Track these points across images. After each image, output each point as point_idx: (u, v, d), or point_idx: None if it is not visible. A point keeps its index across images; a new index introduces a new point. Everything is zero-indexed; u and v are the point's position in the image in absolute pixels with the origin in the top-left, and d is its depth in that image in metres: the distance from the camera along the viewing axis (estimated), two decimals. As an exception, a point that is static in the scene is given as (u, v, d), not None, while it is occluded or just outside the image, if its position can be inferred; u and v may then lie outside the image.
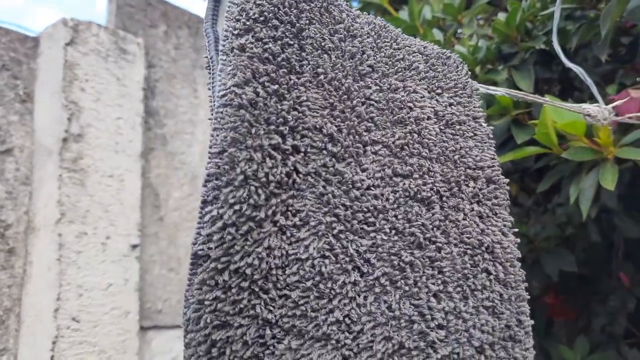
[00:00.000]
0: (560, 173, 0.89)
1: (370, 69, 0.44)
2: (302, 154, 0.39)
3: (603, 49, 0.86)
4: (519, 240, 0.44)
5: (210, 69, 0.45)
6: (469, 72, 0.52)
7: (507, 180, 0.46)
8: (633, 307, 1.15)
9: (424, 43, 0.52)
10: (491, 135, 0.48)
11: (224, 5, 0.47)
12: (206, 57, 0.46)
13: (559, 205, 1.23)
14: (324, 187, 0.39)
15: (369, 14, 0.50)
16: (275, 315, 0.36)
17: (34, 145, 1.12)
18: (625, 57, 1.06)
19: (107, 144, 1.14)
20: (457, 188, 0.43)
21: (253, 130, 0.37)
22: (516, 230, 0.44)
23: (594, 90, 0.76)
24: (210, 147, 0.37)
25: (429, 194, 0.41)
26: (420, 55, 0.48)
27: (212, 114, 0.45)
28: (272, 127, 0.38)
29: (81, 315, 1.03)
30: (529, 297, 0.43)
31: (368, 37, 0.46)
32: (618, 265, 1.22)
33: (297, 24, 0.42)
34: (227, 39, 0.39)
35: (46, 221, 1.06)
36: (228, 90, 0.38)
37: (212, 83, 0.45)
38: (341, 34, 0.44)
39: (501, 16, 1.00)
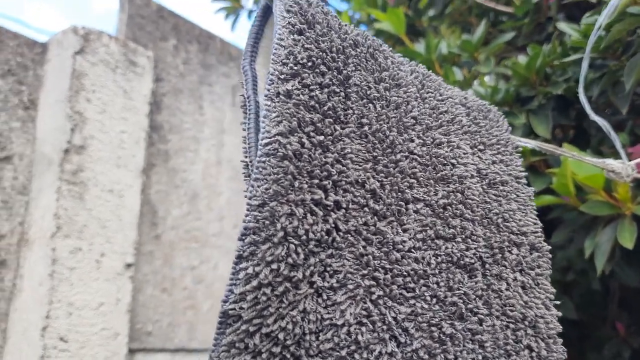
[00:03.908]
0: (575, 224, 0.88)
1: (414, 121, 0.42)
2: (344, 210, 0.37)
3: (625, 102, 0.85)
4: (560, 313, 0.42)
5: (246, 109, 0.43)
6: (510, 128, 0.50)
7: (550, 247, 0.44)
8: (628, 358, 1.14)
9: (464, 93, 0.50)
10: (532, 197, 0.46)
11: (263, 43, 0.45)
12: (242, 95, 0.44)
13: (560, 249, 1.21)
14: (364, 247, 0.37)
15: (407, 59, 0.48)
16: (306, 386, 0.34)
17: (34, 154, 1.09)
18: (641, 108, 1.05)
19: (109, 158, 1.11)
20: (500, 255, 0.40)
21: (296, 184, 0.35)
22: (557, 302, 0.42)
23: (618, 145, 0.75)
24: (250, 198, 0.35)
25: (472, 260, 0.39)
26: (463, 108, 0.46)
27: (245, 157, 0.42)
28: (316, 180, 0.36)
29: (69, 335, 0.99)
30: (570, 376, 0.41)
31: (412, 87, 0.44)
32: (613, 313, 1.21)
33: (344, 71, 0.40)
34: (273, 83, 0.37)
35: (41, 234, 1.02)
36: (272, 139, 0.35)
37: (248, 124, 0.42)
38: (387, 82, 0.42)
39: (521, 59, 0.99)
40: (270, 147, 0.35)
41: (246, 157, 0.42)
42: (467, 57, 1.16)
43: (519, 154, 0.49)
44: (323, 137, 0.37)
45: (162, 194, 1.25)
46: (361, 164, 0.38)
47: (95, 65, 1.11)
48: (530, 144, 0.64)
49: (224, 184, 1.40)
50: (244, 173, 0.42)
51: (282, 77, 0.37)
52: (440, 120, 0.43)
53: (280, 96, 0.36)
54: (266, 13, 0.44)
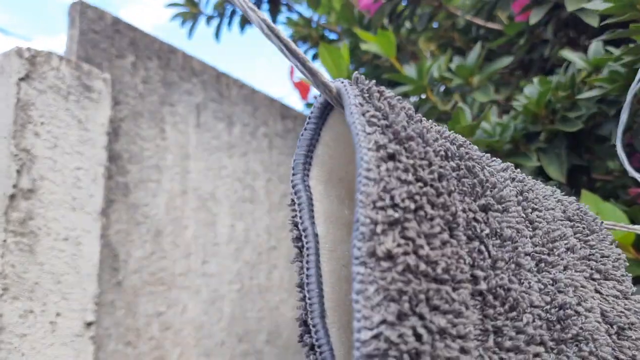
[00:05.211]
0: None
1: (529, 259, 0.32)
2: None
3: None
4: None
5: (302, 246, 0.31)
6: (613, 238, 0.40)
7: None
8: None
9: (552, 191, 0.40)
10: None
11: (319, 150, 0.33)
12: (292, 221, 0.32)
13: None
14: None
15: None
16: None
17: (-27, 201, 0.92)
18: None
19: (62, 200, 0.96)
20: None
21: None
22: None
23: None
24: None
25: None
26: (568, 223, 0.36)
27: (305, 318, 0.31)
28: (437, 388, 0.25)
29: (22, 417, 0.84)
30: None
31: (517, 205, 0.33)
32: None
33: (452, 207, 0.29)
34: (365, 238, 0.25)
35: (-16, 297, 0.87)
36: (375, 332, 0.24)
37: (307, 268, 0.31)
38: (494, 209, 0.31)
39: (529, 92, 0.90)
40: (374, 347, 0.24)
41: (308, 318, 0.30)
42: (460, 82, 1.07)
43: (630, 275, 0.40)
44: (444, 319, 0.26)
45: (123, 233, 1.11)
46: (482, 338, 0.28)
47: (44, 93, 0.96)
48: (623, 228, 0.55)
49: (190, 216, 1.26)
50: (302, 342, 0.31)
51: (378, 229, 0.26)
52: (557, 252, 0.33)
53: (379, 260, 0.25)
54: (324, 112, 0.32)
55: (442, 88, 1.18)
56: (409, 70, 1.07)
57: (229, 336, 1.32)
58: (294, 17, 1.77)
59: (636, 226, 0.65)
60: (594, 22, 0.89)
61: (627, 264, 0.40)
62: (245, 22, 1.62)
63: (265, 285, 1.45)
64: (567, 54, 0.94)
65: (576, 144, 0.91)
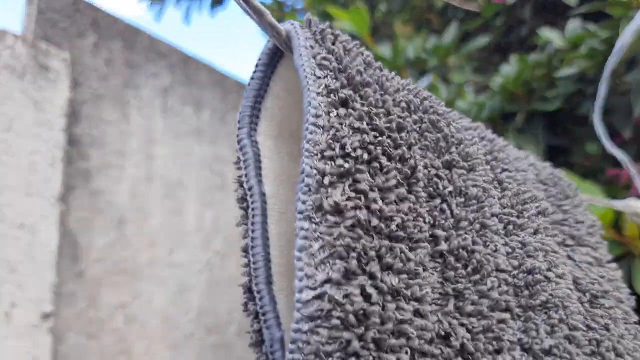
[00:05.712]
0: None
1: (496, 221, 0.29)
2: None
3: (627, 127, 0.76)
4: None
5: (246, 205, 0.28)
6: (588, 205, 0.38)
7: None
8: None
9: (525, 155, 0.37)
10: (635, 306, 0.35)
11: (268, 102, 0.30)
12: (239, 183, 0.29)
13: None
14: None
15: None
16: None
17: None
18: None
19: (17, 185, 0.91)
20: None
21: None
22: None
23: (638, 182, 0.65)
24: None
25: None
26: (541, 186, 0.34)
27: (250, 284, 0.28)
28: (390, 356, 0.22)
29: (-27, 412, 0.80)
30: None
31: (485, 165, 0.31)
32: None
33: (411, 161, 0.26)
34: (310, 190, 0.22)
35: None
36: (318, 292, 0.21)
37: (252, 230, 0.28)
38: (459, 166, 0.28)
39: (506, 71, 0.88)
40: (316, 308, 0.21)
41: (252, 284, 0.27)
42: (436, 62, 1.04)
43: (606, 243, 0.37)
44: (396, 277, 0.23)
45: (84, 221, 1.06)
46: (441, 302, 0.25)
47: (-3, 72, 0.91)
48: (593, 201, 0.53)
49: (155, 204, 1.22)
50: (246, 311, 0.28)
51: (325, 181, 0.22)
52: (527, 215, 0.30)
53: (326, 214, 0.22)
54: (273, 59, 0.29)
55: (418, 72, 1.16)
56: (384, 50, 1.05)
57: (198, 328, 1.28)
58: (267, 1, 1.73)
59: (614, 201, 0.63)
60: (571, 0, 0.87)
61: (603, 231, 0.38)
62: (215, 3, 1.57)
63: (236, 275, 1.42)
64: (545, 32, 0.92)
65: (554, 124, 0.90)
